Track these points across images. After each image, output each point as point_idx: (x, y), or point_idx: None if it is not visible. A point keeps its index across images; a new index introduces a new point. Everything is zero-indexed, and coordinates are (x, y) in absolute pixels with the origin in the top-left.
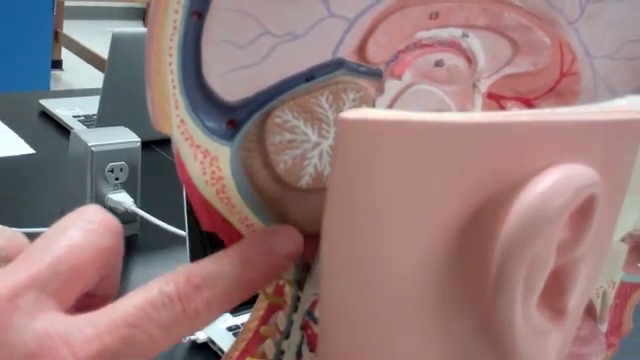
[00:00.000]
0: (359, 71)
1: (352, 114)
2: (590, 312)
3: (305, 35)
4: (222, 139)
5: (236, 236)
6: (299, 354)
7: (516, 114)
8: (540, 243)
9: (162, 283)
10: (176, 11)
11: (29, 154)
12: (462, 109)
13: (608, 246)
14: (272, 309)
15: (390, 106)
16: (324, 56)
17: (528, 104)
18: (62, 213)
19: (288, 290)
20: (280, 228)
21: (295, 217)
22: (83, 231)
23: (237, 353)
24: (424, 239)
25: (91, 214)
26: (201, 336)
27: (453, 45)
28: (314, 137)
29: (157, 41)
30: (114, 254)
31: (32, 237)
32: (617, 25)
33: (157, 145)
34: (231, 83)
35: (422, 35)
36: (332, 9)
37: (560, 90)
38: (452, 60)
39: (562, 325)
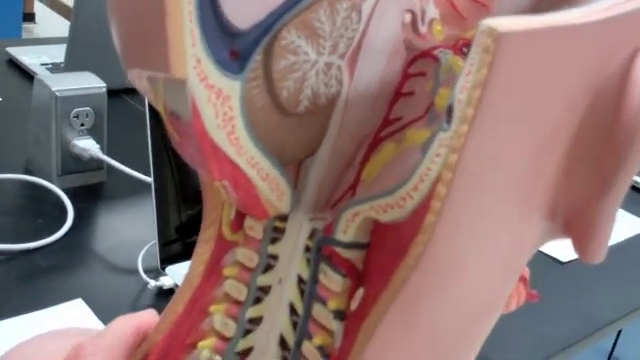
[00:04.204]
0: None
1: (505, 26)
2: None
3: None
4: (232, 73)
5: (244, 181)
6: (315, 280)
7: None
8: None
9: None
10: None
11: None
12: None
13: None
14: (221, 250)
15: (374, 8)
16: None
17: None
18: (27, 161)
19: (252, 224)
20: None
21: (289, 143)
22: None
23: (181, 307)
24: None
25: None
26: (167, 282)
27: None
28: (313, 55)
29: None
30: None
31: None
32: None
33: (125, 93)
34: (244, 6)
35: None
36: None
37: None
38: None
39: None
